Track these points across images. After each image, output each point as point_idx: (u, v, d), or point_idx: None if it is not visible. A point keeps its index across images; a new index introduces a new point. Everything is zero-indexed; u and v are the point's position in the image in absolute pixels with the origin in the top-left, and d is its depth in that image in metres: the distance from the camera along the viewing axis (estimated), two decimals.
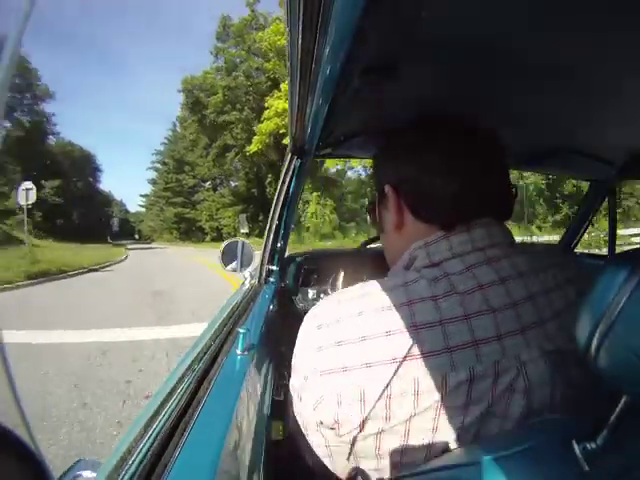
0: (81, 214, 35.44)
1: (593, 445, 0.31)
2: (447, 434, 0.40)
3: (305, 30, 0.43)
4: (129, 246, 31.51)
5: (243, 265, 1.26)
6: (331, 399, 0.40)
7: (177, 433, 0.43)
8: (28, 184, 11.38)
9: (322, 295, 1.54)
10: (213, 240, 29.87)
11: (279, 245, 1.34)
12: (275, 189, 1.26)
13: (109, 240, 41.82)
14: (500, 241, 0.47)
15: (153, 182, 42.62)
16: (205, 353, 0.67)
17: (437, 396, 0.39)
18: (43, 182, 27.29)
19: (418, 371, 0.39)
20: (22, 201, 11.60)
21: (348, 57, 0.44)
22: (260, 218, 23.42)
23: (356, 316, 0.42)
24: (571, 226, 1.59)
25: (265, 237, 1.30)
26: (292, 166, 1.16)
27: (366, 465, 0.44)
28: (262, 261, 1.28)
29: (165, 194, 38.19)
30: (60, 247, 18.18)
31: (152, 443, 0.41)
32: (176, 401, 0.50)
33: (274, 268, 1.34)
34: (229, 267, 1.28)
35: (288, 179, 1.20)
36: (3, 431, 0.22)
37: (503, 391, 0.40)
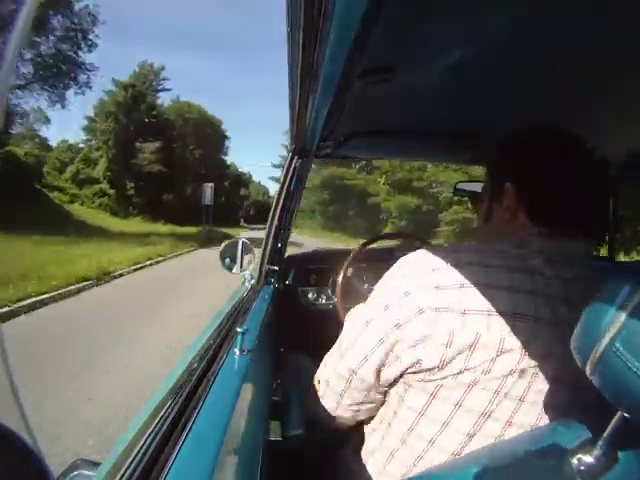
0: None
1: (589, 459, 0.31)
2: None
3: (305, 32, 0.43)
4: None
5: (243, 265, 1.26)
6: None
7: (176, 433, 0.43)
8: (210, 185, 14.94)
9: (322, 295, 1.54)
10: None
11: (279, 245, 1.34)
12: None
13: (243, 224, 37.19)
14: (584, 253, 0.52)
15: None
16: (204, 353, 0.67)
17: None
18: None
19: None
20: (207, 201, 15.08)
21: (348, 58, 0.44)
22: None
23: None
24: None
25: (265, 237, 1.30)
26: (292, 166, 1.16)
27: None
28: (262, 261, 1.28)
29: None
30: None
31: (151, 443, 0.41)
32: (175, 401, 0.50)
33: (274, 268, 1.34)
34: (229, 267, 1.28)
35: (288, 179, 1.20)
36: (3, 430, 0.22)
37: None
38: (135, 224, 19.72)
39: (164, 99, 27.68)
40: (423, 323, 0.47)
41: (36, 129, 27.57)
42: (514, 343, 0.45)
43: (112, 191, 22.67)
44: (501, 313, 0.45)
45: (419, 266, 0.51)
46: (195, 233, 17.09)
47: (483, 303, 0.45)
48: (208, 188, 16.18)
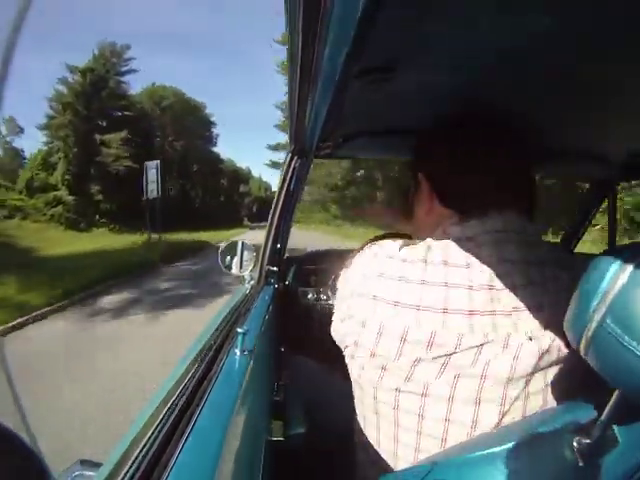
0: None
1: (587, 440, 0.31)
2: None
3: (305, 30, 0.43)
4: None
5: (243, 265, 1.26)
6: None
7: (177, 433, 0.43)
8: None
9: (322, 296, 1.54)
10: None
11: (279, 245, 1.34)
12: None
13: (246, 222, 35.00)
14: (511, 228, 0.51)
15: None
16: (205, 353, 0.67)
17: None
18: None
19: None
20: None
21: (347, 58, 0.44)
22: None
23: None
24: (571, 226, 1.59)
25: (265, 237, 1.30)
26: (292, 166, 1.16)
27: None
28: (262, 261, 1.28)
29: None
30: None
31: (152, 443, 0.41)
32: (176, 401, 0.50)
33: (274, 269, 1.34)
34: (229, 267, 1.28)
35: (288, 179, 1.20)
36: (3, 431, 0.22)
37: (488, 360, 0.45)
38: (96, 238, 15.43)
39: (135, 86, 23.37)
40: (363, 307, 0.49)
41: (9, 140, 25.01)
42: (446, 337, 0.45)
43: (70, 198, 18.59)
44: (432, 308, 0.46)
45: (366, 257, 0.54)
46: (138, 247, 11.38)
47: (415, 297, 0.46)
48: (152, 169, 10.08)
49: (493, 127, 0.56)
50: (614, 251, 0.31)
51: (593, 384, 0.33)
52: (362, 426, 0.54)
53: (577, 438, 0.32)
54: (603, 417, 0.31)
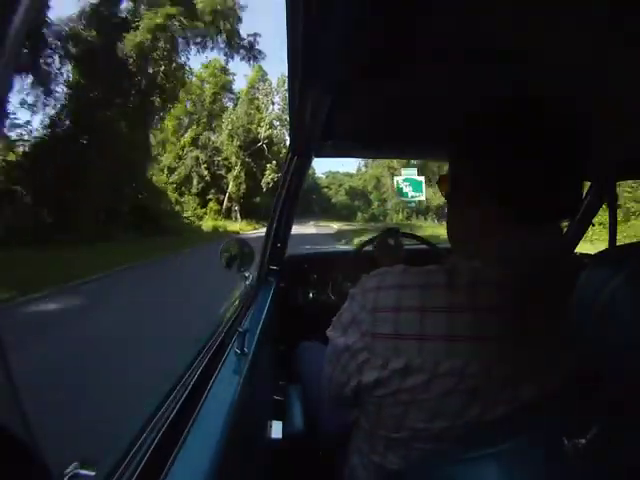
0: None
1: (582, 441, 0.31)
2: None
3: (306, 30, 0.43)
4: None
5: (243, 265, 1.26)
6: None
7: (176, 432, 0.43)
8: None
9: (322, 295, 1.54)
10: None
11: (279, 245, 1.34)
12: None
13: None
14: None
15: None
16: (205, 353, 0.67)
17: None
18: None
19: None
20: None
21: (348, 57, 0.44)
22: None
23: None
24: (572, 226, 1.58)
25: (265, 237, 1.30)
26: (292, 166, 1.16)
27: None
28: (262, 261, 1.28)
29: None
30: None
31: (151, 442, 0.41)
32: (176, 400, 0.50)
33: (274, 268, 1.34)
34: (229, 266, 1.27)
35: (288, 179, 1.20)
36: (3, 430, 0.22)
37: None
38: None
39: None
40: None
41: None
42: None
43: None
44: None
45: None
46: None
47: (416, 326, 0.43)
48: None
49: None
50: (614, 251, 0.31)
51: (593, 384, 0.33)
52: (363, 420, 0.54)
53: (572, 440, 0.32)
54: (597, 419, 0.31)
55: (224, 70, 24.76)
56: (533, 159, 0.45)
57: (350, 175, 39.01)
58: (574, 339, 0.34)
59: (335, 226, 24.63)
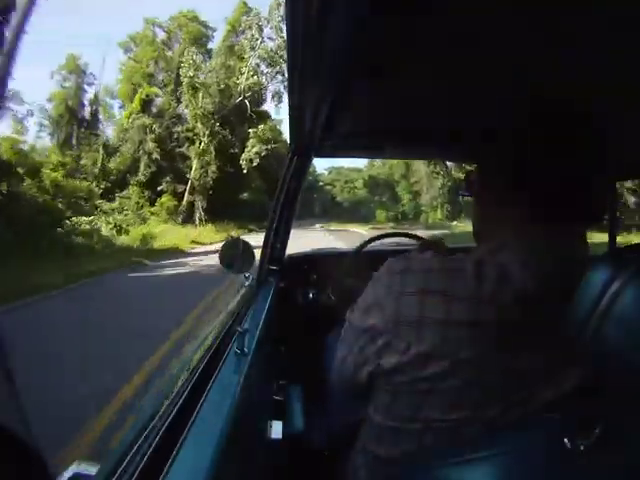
0: None
1: (585, 441, 0.31)
2: None
3: (305, 30, 0.43)
4: None
5: (244, 265, 1.26)
6: None
7: (176, 432, 0.43)
8: None
9: (322, 295, 1.53)
10: None
11: (279, 245, 1.34)
12: None
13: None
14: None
15: None
16: (205, 353, 0.67)
17: None
18: None
19: None
20: None
21: (348, 57, 0.44)
22: None
23: None
24: None
25: (265, 237, 1.30)
26: (292, 166, 1.17)
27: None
28: (262, 261, 1.28)
29: None
30: None
31: (150, 443, 0.41)
32: (175, 401, 0.50)
33: (274, 268, 1.34)
34: (229, 266, 1.27)
35: (288, 179, 1.20)
36: (3, 430, 0.22)
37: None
38: None
39: None
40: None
41: None
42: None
43: None
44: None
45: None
46: None
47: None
48: None
49: None
50: (614, 253, 0.32)
51: (592, 384, 0.33)
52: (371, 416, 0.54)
53: (574, 440, 0.32)
54: (600, 420, 0.31)
55: (197, 20, 18.30)
56: (566, 160, 0.45)
57: (358, 170, 31.50)
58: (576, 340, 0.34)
59: (362, 231, 16.70)
